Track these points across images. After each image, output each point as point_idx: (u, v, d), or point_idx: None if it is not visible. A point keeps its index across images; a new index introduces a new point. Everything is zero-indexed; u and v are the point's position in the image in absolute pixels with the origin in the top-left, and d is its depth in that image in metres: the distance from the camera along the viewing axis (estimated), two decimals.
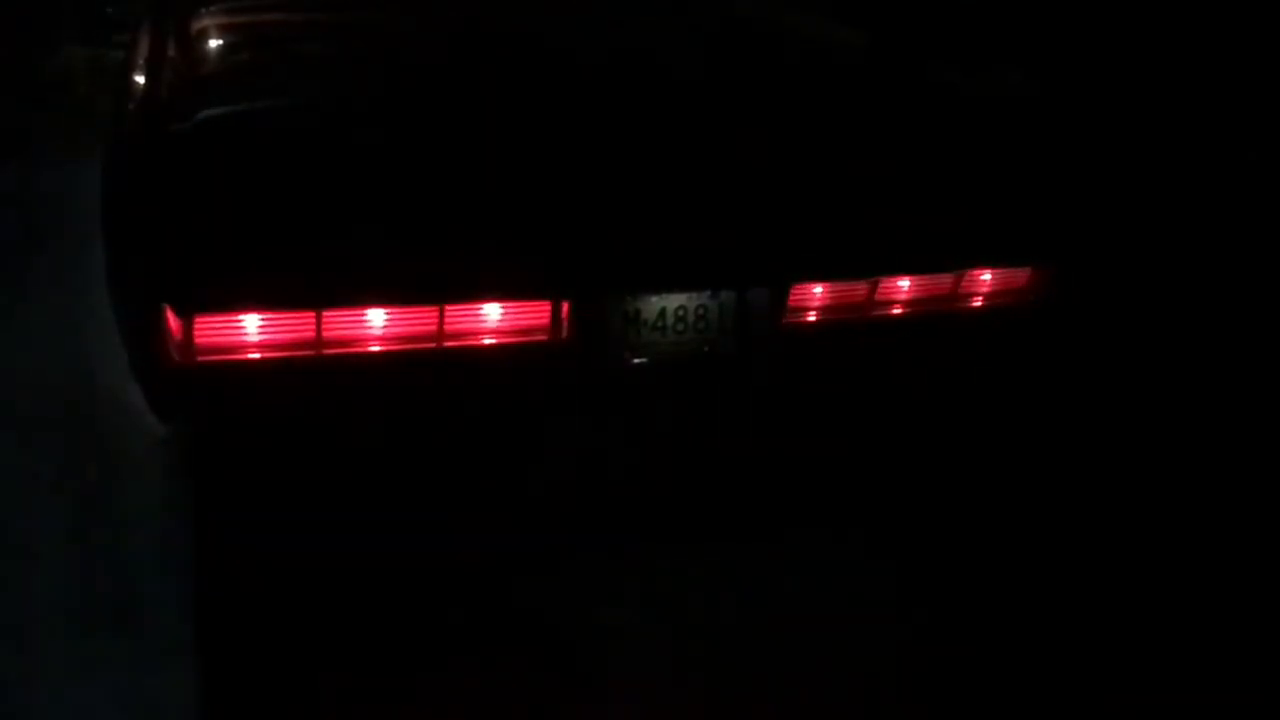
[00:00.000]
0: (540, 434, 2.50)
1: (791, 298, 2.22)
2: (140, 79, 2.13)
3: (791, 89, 2.45)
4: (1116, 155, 3.54)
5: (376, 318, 1.98)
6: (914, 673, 2.04)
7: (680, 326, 2.15)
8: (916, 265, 2.32)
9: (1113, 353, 3.30)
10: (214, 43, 2.34)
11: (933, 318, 2.39)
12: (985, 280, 2.41)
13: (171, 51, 2.24)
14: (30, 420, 2.69)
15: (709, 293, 2.14)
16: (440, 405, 2.19)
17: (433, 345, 2.03)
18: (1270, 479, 2.71)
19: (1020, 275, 2.44)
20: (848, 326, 2.31)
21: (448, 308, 2.01)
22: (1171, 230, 3.63)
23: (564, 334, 2.09)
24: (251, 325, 1.92)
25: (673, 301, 2.13)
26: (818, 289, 2.25)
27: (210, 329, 1.90)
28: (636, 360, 2.16)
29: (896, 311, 2.35)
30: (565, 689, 1.94)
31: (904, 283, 2.33)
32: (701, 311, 2.15)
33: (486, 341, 2.06)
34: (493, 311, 2.04)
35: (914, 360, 2.51)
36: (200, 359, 1.91)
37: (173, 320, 1.88)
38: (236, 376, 1.95)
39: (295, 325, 1.94)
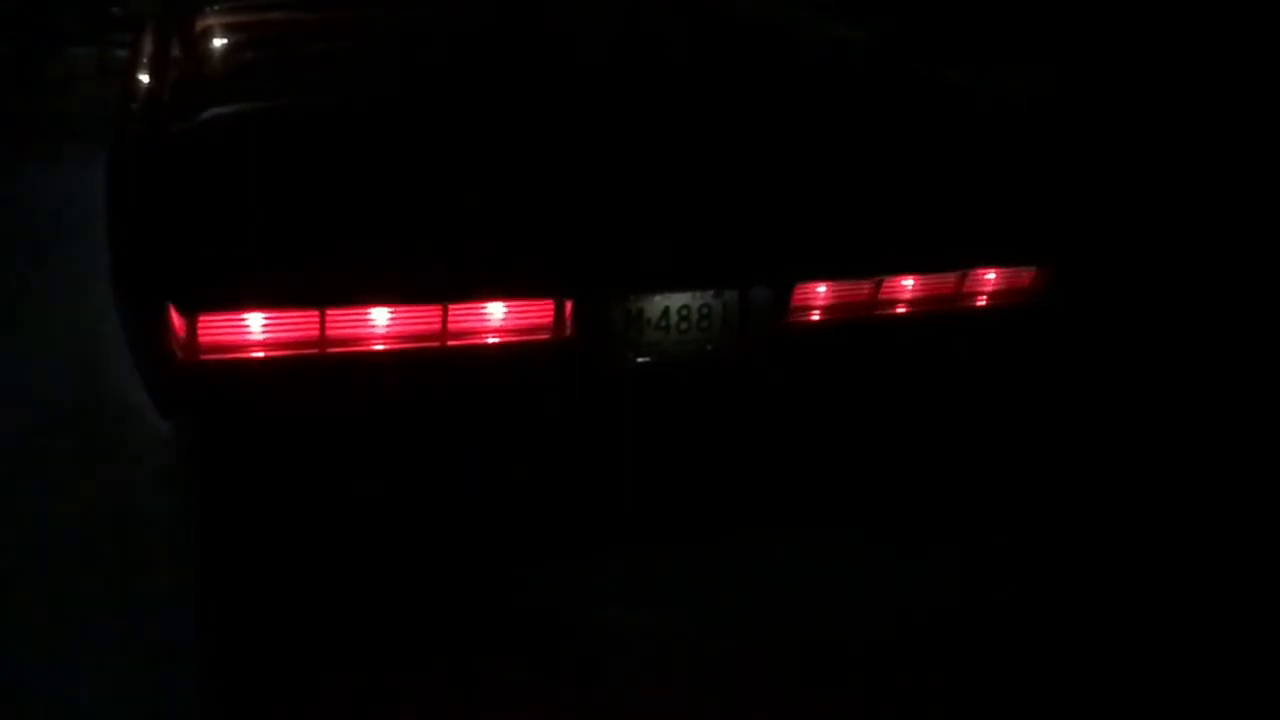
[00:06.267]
0: (543, 432, 2.51)
1: (794, 297, 2.22)
2: (144, 78, 2.14)
3: (794, 88, 2.45)
4: (1120, 155, 3.54)
5: (380, 317, 1.98)
6: (917, 672, 2.04)
7: (683, 326, 2.15)
8: (919, 265, 2.32)
9: (1116, 352, 3.30)
10: (218, 43, 2.35)
11: (935, 317, 2.39)
12: (989, 280, 2.41)
13: (176, 51, 2.24)
14: (35, 417, 2.69)
15: (712, 292, 2.14)
16: (443, 404, 2.20)
17: (436, 344, 2.03)
18: (1269, 472, 2.72)
19: (1024, 275, 2.44)
20: (850, 326, 2.31)
21: (451, 307, 2.01)
22: (1174, 230, 3.63)
23: (567, 333, 2.09)
24: (255, 324, 1.92)
25: (676, 300, 2.13)
26: (821, 288, 2.25)
27: (214, 327, 1.90)
28: (640, 359, 2.16)
29: (899, 311, 2.35)
30: (568, 688, 1.94)
31: (907, 282, 2.33)
32: (704, 311, 2.15)
33: (490, 341, 2.06)
34: (496, 310, 2.04)
35: (916, 359, 2.51)
36: (204, 357, 1.91)
37: (176, 319, 1.88)
38: (240, 375, 1.95)
39: (299, 324, 1.94)
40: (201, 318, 1.88)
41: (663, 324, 2.13)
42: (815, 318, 2.27)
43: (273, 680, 1.92)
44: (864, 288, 2.29)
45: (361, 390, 2.06)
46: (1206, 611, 2.25)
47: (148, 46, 2.33)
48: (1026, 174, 2.41)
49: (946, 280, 2.36)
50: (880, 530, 2.45)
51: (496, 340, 2.06)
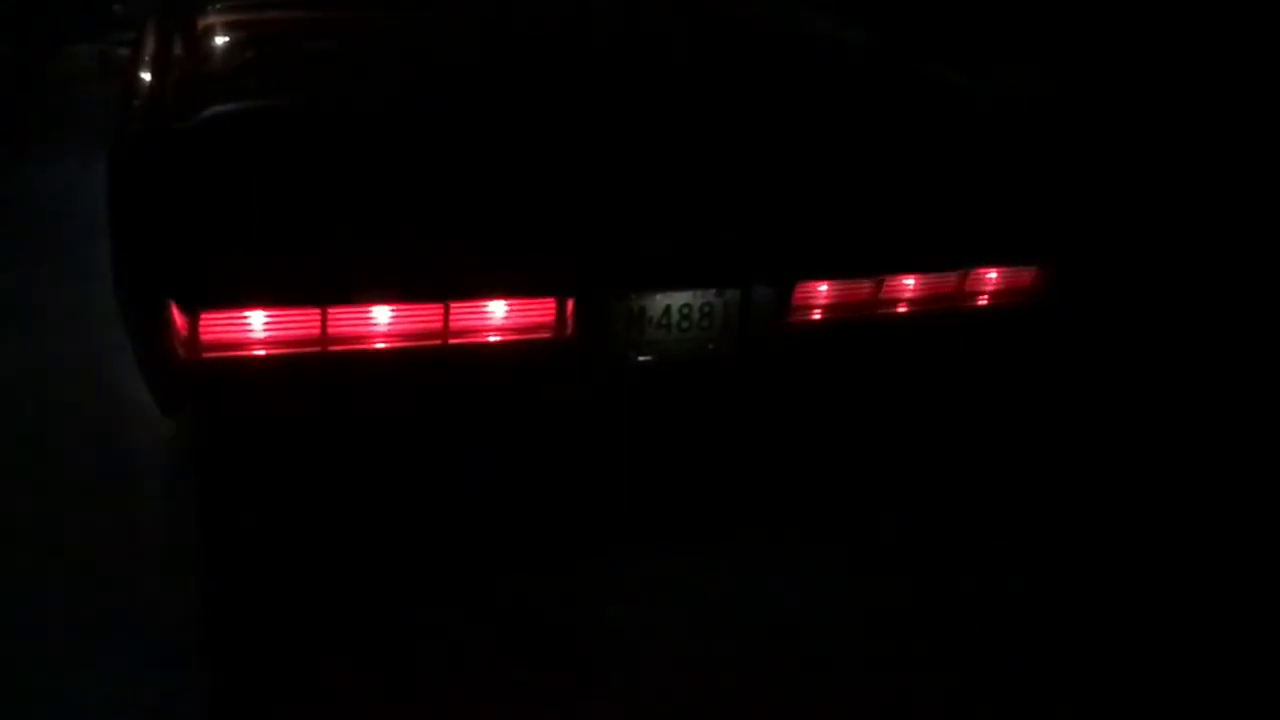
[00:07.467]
0: (544, 430, 2.51)
1: (796, 296, 2.22)
2: (146, 76, 2.14)
3: (796, 88, 2.45)
4: (1120, 155, 3.54)
5: (381, 315, 1.98)
6: (916, 672, 2.04)
7: (684, 324, 2.15)
8: (920, 264, 2.32)
9: (1116, 352, 3.30)
10: (219, 40, 2.35)
11: (936, 317, 2.39)
12: (989, 280, 2.41)
13: (177, 50, 2.24)
14: (34, 420, 2.69)
15: (713, 290, 2.14)
16: (444, 402, 2.20)
17: (437, 342, 2.03)
18: (1269, 471, 2.72)
19: (1024, 275, 2.44)
20: (851, 325, 2.31)
21: (453, 305, 2.01)
22: (1174, 230, 3.63)
23: (568, 331, 2.09)
24: (257, 322, 1.92)
25: (677, 299, 2.13)
26: (822, 287, 2.25)
27: (215, 325, 1.90)
28: (641, 358, 2.16)
29: (900, 310, 2.35)
30: (570, 687, 1.94)
31: (908, 282, 2.33)
32: (706, 309, 2.15)
33: (491, 339, 2.06)
34: (497, 309, 2.04)
35: (917, 359, 2.51)
36: (205, 355, 1.91)
37: (178, 316, 1.88)
38: (241, 372, 1.95)
39: (300, 322, 1.94)
40: (203, 315, 1.88)
41: (664, 323, 2.13)
42: (816, 317, 2.27)
43: (273, 680, 1.92)
44: (865, 287, 2.29)
45: (363, 389, 2.06)
46: (1206, 611, 2.25)
47: (149, 45, 2.33)
48: (1027, 174, 2.41)
49: (947, 280, 2.37)
50: (880, 530, 2.44)
51: (498, 339, 2.07)
